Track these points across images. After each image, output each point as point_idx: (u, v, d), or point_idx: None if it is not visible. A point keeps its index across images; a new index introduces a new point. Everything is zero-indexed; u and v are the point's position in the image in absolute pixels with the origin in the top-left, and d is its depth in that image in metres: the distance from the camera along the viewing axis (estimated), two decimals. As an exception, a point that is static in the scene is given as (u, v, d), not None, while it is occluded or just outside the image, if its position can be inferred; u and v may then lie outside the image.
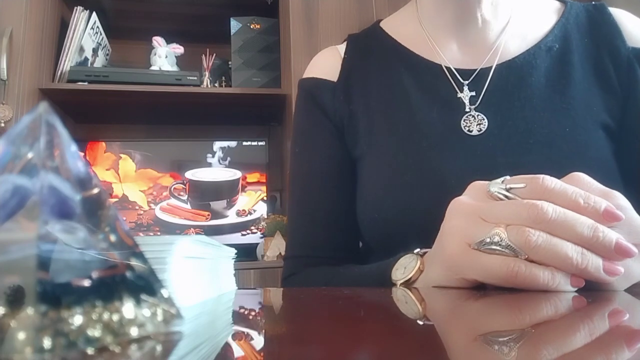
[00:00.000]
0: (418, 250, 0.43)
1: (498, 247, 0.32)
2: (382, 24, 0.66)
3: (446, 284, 0.37)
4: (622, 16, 0.58)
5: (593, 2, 0.60)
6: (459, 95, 0.56)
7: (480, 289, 0.36)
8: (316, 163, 0.61)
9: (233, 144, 1.80)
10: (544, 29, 0.58)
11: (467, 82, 0.56)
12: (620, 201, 0.35)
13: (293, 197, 0.63)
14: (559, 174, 0.39)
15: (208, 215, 1.75)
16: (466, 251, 0.34)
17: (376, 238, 0.57)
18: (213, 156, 1.78)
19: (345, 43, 0.66)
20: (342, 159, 0.60)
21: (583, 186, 0.37)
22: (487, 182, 0.36)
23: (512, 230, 0.32)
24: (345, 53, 0.64)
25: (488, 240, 0.32)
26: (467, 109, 0.55)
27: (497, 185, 0.34)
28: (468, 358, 0.15)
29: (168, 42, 1.78)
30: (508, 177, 0.35)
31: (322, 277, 0.56)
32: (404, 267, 0.42)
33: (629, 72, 0.54)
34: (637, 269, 0.33)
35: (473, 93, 0.56)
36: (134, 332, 0.17)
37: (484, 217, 0.34)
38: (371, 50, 0.64)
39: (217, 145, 1.79)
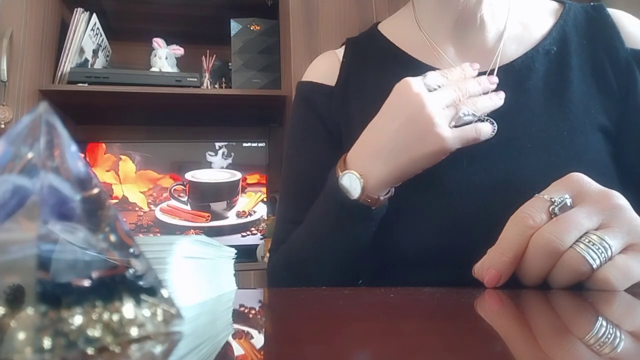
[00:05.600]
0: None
1: None
2: (380, 27, 0.65)
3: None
4: (621, 17, 0.57)
5: (592, 3, 0.59)
6: None
7: (481, 286, 0.36)
8: (306, 167, 0.61)
9: (233, 145, 1.80)
10: (542, 31, 0.58)
11: None
12: (619, 201, 0.35)
13: (282, 197, 0.64)
14: (557, 178, 0.39)
15: (208, 216, 1.75)
16: None
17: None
18: (215, 154, 1.78)
19: (343, 47, 0.66)
20: (332, 165, 0.60)
21: (582, 186, 0.37)
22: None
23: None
24: (343, 57, 0.64)
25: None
26: None
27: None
28: (468, 357, 0.15)
29: (168, 43, 1.78)
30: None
31: (288, 245, 0.57)
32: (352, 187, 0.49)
33: (627, 74, 0.53)
34: (637, 269, 0.33)
35: None
36: (134, 332, 0.17)
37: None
38: (369, 54, 0.63)
39: (218, 146, 1.79)
